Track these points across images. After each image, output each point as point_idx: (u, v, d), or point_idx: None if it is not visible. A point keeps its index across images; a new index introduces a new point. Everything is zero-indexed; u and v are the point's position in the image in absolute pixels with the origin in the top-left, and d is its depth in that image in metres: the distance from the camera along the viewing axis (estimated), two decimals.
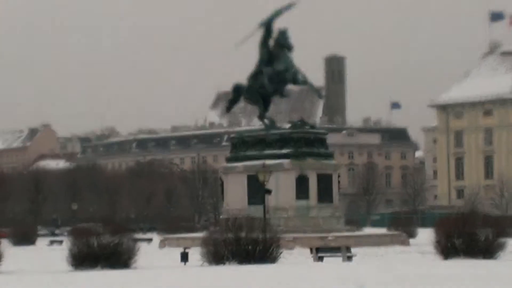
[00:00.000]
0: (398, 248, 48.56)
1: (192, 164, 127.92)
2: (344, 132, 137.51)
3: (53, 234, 66.56)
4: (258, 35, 55.60)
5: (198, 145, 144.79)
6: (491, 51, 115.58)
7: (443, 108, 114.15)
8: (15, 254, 39.92)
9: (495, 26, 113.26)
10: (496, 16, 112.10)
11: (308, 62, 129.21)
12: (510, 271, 24.40)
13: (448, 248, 30.93)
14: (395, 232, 56.98)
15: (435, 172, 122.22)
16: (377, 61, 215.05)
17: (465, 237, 30.86)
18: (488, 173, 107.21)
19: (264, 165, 46.77)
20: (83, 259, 28.64)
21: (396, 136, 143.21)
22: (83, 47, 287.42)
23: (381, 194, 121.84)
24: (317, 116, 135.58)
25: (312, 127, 59.52)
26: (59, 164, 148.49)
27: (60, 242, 50.33)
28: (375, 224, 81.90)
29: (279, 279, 22.98)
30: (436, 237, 32.35)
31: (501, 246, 31.34)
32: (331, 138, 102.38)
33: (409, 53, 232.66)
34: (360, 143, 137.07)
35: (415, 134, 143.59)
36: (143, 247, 37.14)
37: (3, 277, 25.35)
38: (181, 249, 37.72)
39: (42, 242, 61.46)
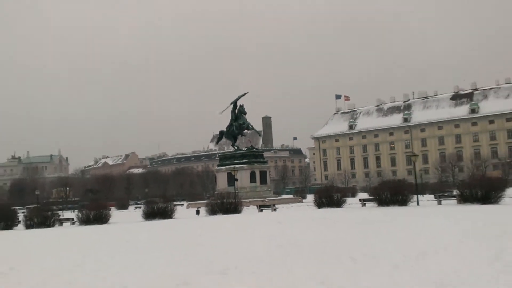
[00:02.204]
0: (298, 204, 48.83)
1: (202, 169, 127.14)
2: (272, 151, 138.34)
3: (137, 204, 65.84)
4: (230, 107, 56.23)
5: (205, 159, 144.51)
6: (336, 112, 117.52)
7: (317, 139, 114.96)
8: (118, 214, 39.80)
9: (338, 101, 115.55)
10: (338, 96, 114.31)
11: (254, 119, 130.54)
12: (349, 213, 25.00)
13: (320, 203, 31.26)
14: (296, 197, 57.52)
15: (314, 168, 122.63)
16: (285, 118, 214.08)
17: (328, 197, 31.38)
18: (339, 168, 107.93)
19: (234, 168, 47.35)
20: (149, 214, 28.81)
21: (297, 152, 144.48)
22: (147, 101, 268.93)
23: (289, 179, 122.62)
24: (259, 144, 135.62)
25: (257, 149, 59.94)
26: (140, 170, 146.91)
27: (140, 207, 49.92)
28: (287, 193, 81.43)
29: (243, 219, 23.46)
30: (315, 198, 32.90)
31: (344, 201, 31.82)
32: (266, 154, 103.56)
33: (295, 113, 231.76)
34: (279, 156, 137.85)
35: (305, 151, 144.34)
36: (179, 208, 37.29)
37: (112, 225, 25.49)
38: (196, 208, 37.89)
39: (131, 208, 60.83)
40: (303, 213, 26.62)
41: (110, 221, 27.62)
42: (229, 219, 23.59)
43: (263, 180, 52.72)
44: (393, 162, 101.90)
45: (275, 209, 34.04)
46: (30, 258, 12.41)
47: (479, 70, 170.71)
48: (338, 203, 30.72)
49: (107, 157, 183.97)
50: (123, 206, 62.36)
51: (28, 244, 16.85)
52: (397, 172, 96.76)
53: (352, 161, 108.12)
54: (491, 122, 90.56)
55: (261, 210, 33.92)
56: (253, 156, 53.90)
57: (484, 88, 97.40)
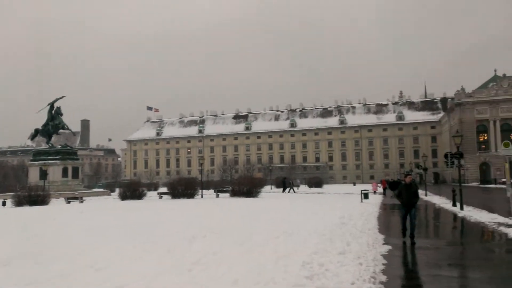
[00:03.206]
0: (105, 197, 44.90)
1: (18, 163, 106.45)
2: (88, 150, 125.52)
3: None
4: (47, 108, 49.05)
5: (21, 154, 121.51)
6: (147, 120, 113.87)
7: (130, 141, 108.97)
8: None
9: (149, 112, 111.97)
10: (150, 108, 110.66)
11: (74, 120, 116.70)
12: (145, 203, 23.97)
13: (124, 195, 29.12)
14: (106, 190, 53.15)
15: (125, 166, 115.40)
16: (103, 122, 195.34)
17: (131, 191, 29.52)
18: (146, 166, 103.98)
19: (45, 163, 41.29)
20: None
21: (111, 152, 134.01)
22: None
23: (103, 175, 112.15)
24: (76, 143, 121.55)
25: (70, 147, 52.71)
26: None
27: None
28: (99, 187, 73.57)
29: (46, 210, 20.20)
30: (119, 191, 30.88)
31: (145, 194, 30.32)
32: (82, 153, 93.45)
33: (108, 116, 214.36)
34: (95, 155, 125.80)
35: (119, 151, 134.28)
36: None
37: None
38: (2, 200, 31.33)
39: None
40: (106, 204, 24.42)
41: None
42: (33, 210, 20.02)
43: (75, 175, 47.02)
44: (189, 163, 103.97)
45: (82, 201, 30.51)
46: None
47: (255, 97, 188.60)
48: (139, 196, 29.27)
49: None
50: None
51: None
52: (191, 171, 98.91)
53: (158, 161, 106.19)
54: (259, 137, 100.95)
55: (69, 202, 30.08)
56: (67, 154, 47.74)
57: (255, 112, 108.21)
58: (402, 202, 9.34)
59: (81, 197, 31.45)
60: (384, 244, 8.76)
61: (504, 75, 68.97)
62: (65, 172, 46.17)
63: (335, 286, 5.28)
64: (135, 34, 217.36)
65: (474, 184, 61.79)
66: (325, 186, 57.69)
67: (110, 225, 12.13)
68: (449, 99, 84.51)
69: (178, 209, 18.08)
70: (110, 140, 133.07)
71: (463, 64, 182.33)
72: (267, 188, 50.47)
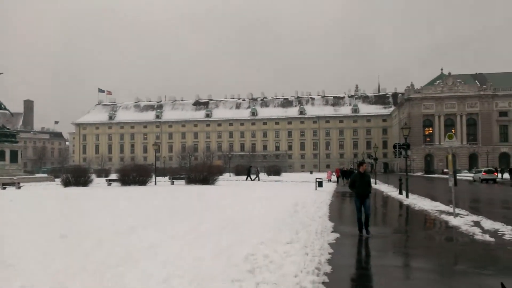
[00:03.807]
0: (48, 183, 41.71)
1: None
2: (31, 132, 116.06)
3: None
4: None
5: None
6: (98, 103, 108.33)
7: (79, 125, 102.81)
8: None
9: (101, 94, 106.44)
10: (102, 90, 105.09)
11: (15, 101, 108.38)
12: (88, 190, 22.68)
13: (67, 182, 27.72)
14: (49, 176, 49.00)
15: (73, 151, 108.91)
16: (50, 103, 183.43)
17: (75, 177, 28.01)
18: (97, 152, 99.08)
19: None
20: None
21: (57, 135, 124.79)
22: None
23: (48, 159, 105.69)
24: (18, 125, 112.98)
25: (8, 129, 47.69)
26: None
27: None
28: (43, 172, 67.58)
29: None
30: (62, 178, 29.13)
31: (91, 181, 28.96)
32: (25, 135, 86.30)
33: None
34: (39, 138, 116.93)
35: (66, 135, 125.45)
36: None
37: None
38: None
39: None
40: (45, 191, 22.71)
41: None
42: None
43: (14, 159, 43.42)
44: (145, 150, 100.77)
45: (19, 187, 28.27)
46: None
47: (216, 84, 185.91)
48: (84, 182, 27.87)
49: None
50: None
51: None
52: (148, 158, 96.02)
53: (110, 147, 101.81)
54: (219, 125, 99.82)
55: (4, 188, 27.82)
56: (4, 135, 43.88)
57: (216, 100, 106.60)
58: (356, 192, 8.75)
59: (19, 183, 29.08)
60: (332, 232, 8.60)
61: (449, 73, 72.82)
62: (2, 156, 42.66)
63: (277, 280, 4.91)
64: (90, 12, 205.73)
65: (419, 174, 65.31)
66: (284, 175, 58.18)
67: (35, 213, 11.07)
68: (400, 94, 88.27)
69: (125, 196, 17.12)
70: (56, 122, 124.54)
71: (414, 62, 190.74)
72: (226, 175, 49.98)
